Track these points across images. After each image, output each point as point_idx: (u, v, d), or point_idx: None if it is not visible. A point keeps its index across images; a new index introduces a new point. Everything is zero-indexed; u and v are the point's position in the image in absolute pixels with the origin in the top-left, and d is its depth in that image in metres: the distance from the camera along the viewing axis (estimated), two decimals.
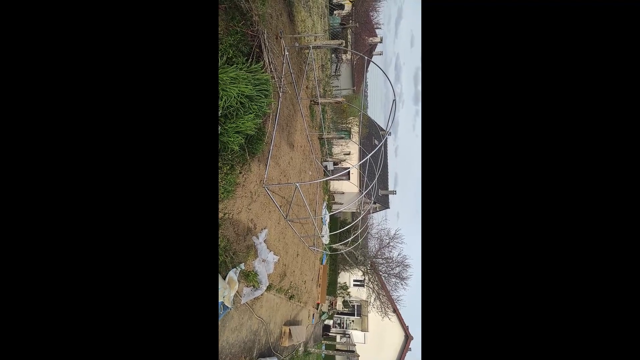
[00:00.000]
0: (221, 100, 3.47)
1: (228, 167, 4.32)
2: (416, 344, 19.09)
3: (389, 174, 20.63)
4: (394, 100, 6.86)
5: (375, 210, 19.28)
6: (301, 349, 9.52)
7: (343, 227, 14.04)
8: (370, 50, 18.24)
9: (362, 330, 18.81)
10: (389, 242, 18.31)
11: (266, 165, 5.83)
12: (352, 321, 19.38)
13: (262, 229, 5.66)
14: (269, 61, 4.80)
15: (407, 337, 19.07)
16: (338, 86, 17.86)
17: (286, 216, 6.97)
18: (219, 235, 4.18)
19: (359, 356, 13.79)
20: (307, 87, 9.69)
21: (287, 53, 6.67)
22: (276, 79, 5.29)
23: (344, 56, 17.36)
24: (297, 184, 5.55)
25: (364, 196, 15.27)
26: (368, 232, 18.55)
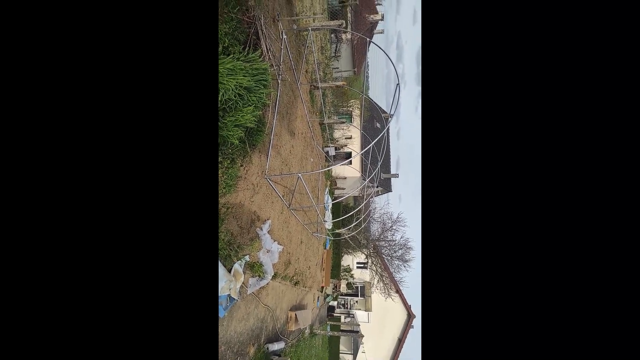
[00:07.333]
0: (218, 93, 3.34)
1: (228, 161, 4.24)
2: (418, 322, 19.70)
3: (390, 156, 20.47)
4: (398, 84, 6.65)
5: (377, 194, 19.29)
6: (307, 331, 9.83)
7: (346, 212, 14.08)
8: (371, 28, 17.56)
9: (365, 310, 19.35)
10: (391, 226, 18.45)
11: (267, 156, 5.74)
12: (356, 302, 19.89)
13: (265, 220, 5.65)
14: (266, 48, 4.60)
15: (410, 316, 19.64)
16: (338, 68, 17.34)
17: (289, 205, 6.96)
18: (223, 230, 4.17)
19: (363, 336, 14.23)
20: (306, 71, 9.40)
21: (285, 37, 6.40)
22: (275, 67, 5.09)
23: (344, 36, 16.74)
24: (300, 175, 5.48)
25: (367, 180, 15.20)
26: (371, 217, 18.64)
